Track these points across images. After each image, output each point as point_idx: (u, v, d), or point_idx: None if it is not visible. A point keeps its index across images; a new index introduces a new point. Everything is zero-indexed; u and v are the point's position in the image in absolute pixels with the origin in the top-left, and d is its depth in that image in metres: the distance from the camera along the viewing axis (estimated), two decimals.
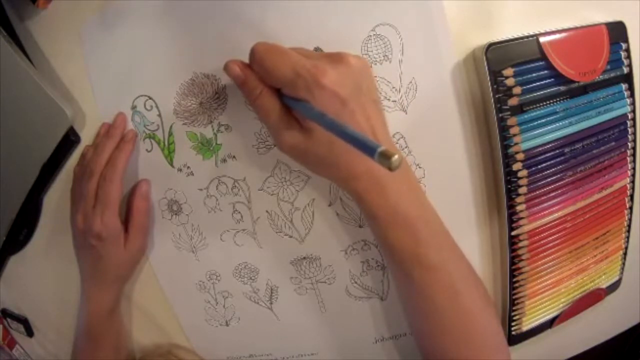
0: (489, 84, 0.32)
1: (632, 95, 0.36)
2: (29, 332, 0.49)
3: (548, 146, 0.34)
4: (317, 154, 0.29)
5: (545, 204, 0.35)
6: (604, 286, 0.41)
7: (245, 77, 0.30)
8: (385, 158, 0.19)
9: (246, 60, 0.30)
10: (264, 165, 0.36)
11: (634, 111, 0.36)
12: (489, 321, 0.34)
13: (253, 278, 0.41)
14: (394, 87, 0.34)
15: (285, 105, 0.30)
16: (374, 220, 0.31)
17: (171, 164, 0.38)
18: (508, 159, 0.33)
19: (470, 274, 0.34)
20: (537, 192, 0.35)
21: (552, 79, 0.33)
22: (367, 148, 0.21)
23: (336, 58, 0.28)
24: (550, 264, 0.37)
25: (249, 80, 0.30)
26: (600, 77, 0.34)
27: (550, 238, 0.36)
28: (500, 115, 0.33)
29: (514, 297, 0.38)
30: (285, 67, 0.28)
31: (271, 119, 0.30)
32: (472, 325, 0.32)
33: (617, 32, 0.34)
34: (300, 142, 0.29)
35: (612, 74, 0.34)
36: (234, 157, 0.36)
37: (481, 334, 0.33)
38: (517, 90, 0.32)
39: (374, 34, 0.33)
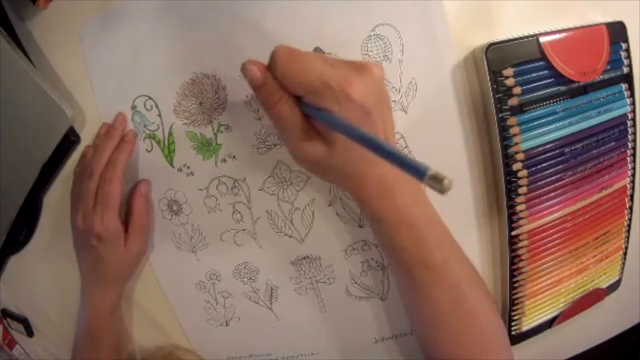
0: (489, 84, 0.32)
1: (632, 95, 0.35)
2: (29, 332, 0.49)
3: (548, 146, 0.34)
4: (337, 165, 0.29)
5: (545, 204, 0.35)
6: (604, 286, 0.41)
7: (264, 81, 0.28)
8: (436, 181, 0.19)
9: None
10: (264, 165, 0.36)
11: (634, 111, 0.36)
12: (491, 318, 0.34)
13: (253, 278, 0.41)
14: (394, 87, 0.34)
15: (304, 114, 0.28)
16: (379, 224, 0.31)
17: (171, 164, 0.38)
18: (508, 159, 0.33)
19: (472, 272, 0.34)
20: (537, 192, 0.35)
21: (552, 79, 0.33)
22: (414, 170, 0.20)
23: (360, 68, 0.27)
24: (550, 264, 0.37)
25: (268, 84, 0.28)
26: (600, 77, 0.34)
27: (550, 238, 0.36)
28: (500, 115, 0.33)
29: (513, 297, 0.38)
30: (312, 75, 0.26)
31: (291, 129, 0.28)
32: (474, 324, 0.32)
33: (617, 32, 0.34)
34: (323, 154, 0.28)
35: (612, 74, 0.34)
36: (234, 157, 0.36)
37: (483, 332, 0.33)
38: (517, 90, 0.32)
39: (374, 34, 0.33)
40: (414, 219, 0.30)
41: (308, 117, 0.28)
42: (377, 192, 0.30)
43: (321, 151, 0.28)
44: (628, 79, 0.35)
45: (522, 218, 0.35)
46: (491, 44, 0.32)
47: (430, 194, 0.35)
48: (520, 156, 0.33)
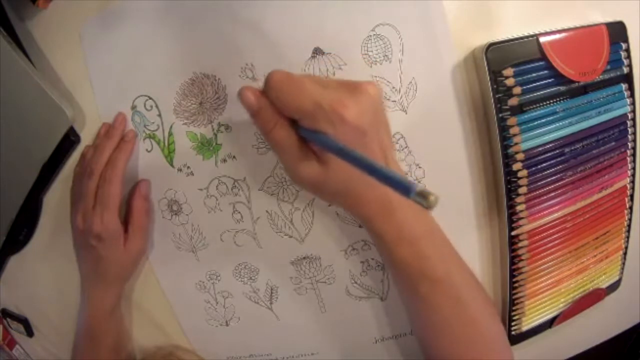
0: (489, 84, 0.32)
1: (632, 95, 0.35)
2: (29, 332, 0.49)
3: (548, 146, 0.34)
4: (334, 185, 0.29)
5: (545, 204, 0.35)
6: (604, 286, 0.41)
7: (259, 107, 0.29)
8: (422, 198, 0.19)
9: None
10: (264, 165, 0.36)
11: (634, 111, 0.36)
12: (492, 324, 0.34)
13: (253, 278, 0.41)
14: (394, 87, 0.34)
15: (301, 137, 0.29)
16: (381, 240, 0.31)
17: (171, 164, 0.38)
18: (508, 159, 0.33)
19: (472, 280, 0.34)
20: (537, 192, 0.35)
21: (552, 79, 0.33)
22: (401, 187, 0.20)
23: (354, 88, 0.27)
24: (550, 264, 0.37)
25: (264, 110, 0.28)
26: (600, 77, 0.34)
27: (550, 238, 0.36)
28: (500, 115, 0.33)
29: (513, 297, 0.38)
30: (306, 99, 0.27)
31: (287, 152, 0.29)
32: (477, 332, 0.33)
33: (617, 32, 0.34)
34: (318, 174, 0.29)
35: (612, 74, 0.34)
36: (234, 157, 0.36)
37: (485, 338, 0.33)
38: (517, 90, 0.32)
39: (374, 34, 0.33)
40: (416, 235, 0.30)
41: (304, 139, 0.29)
42: (377, 211, 0.30)
43: (317, 172, 0.29)
44: (628, 79, 0.35)
45: (522, 218, 0.35)
46: (491, 44, 0.32)
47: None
48: (520, 156, 0.33)
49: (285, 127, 0.29)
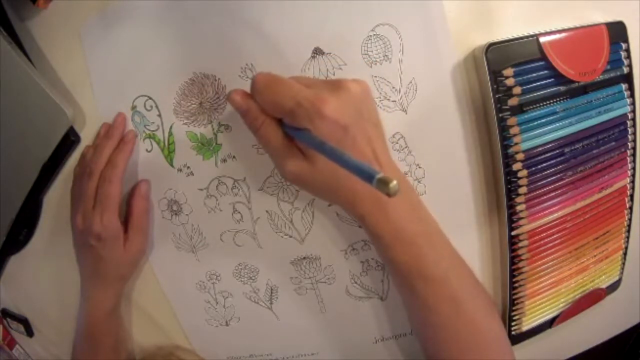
0: (489, 84, 0.32)
1: (632, 95, 0.35)
2: (29, 332, 0.49)
3: (548, 146, 0.34)
4: (321, 181, 0.30)
5: (545, 204, 0.35)
6: (604, 286, 0.41)
7: (246, 108, 0.30)
8: (383, 184, 0.20)
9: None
10: (264, 165, 0.36)
11: (634, 111, 0.36)
12: (492, 324, 0.34)
13: (253, 278, 0.41)
14: (394, 87, 0.34)
15: (288, 134, 0.30)
16: (378, 240, 0.31)
17: (171, 164, 0.38)
18: (508, 159, 0.33)
19: (471, 280, 0.34)
20: (537, 192, 0.35)
21: (552, 79, 0.33)
22: (365, 175, 0.21)
23: (336, 85, 0.28)
24: (550, 264, 0.37)
25: (251, 110, 0.30)
26: (600, 77, 0.34)
27: (550, 238, 0.36)
28: (500, 115, 0.33)
29: (514, 297, 0.38)
30: (286, 98, 0.28)
31: (274, 148, 0.30)
32: (476, 332, 0.33)
33: (617, 32, 0.34)
34: (304, 169, 0.29)
35: (612, 74, 0.34)
36: (234, 157, 0.36)
37: (486, 338, 0.33)
38: (517, 90, 0.32)
39: (374, 34, 0.33)
40: (412, 234, 0.30)
41: (291, 137, 0.30)
42: (371, 208, 0.30)
43: (303, 167, 0.29)
44: (628, 79, 0.35)
45: (522, 218, 0.35)
46: (491, 44, 0.32)
47: (430, 193, 0.36)
48: (520, 156, 0.33)
49: (271, 126, 0.30)
